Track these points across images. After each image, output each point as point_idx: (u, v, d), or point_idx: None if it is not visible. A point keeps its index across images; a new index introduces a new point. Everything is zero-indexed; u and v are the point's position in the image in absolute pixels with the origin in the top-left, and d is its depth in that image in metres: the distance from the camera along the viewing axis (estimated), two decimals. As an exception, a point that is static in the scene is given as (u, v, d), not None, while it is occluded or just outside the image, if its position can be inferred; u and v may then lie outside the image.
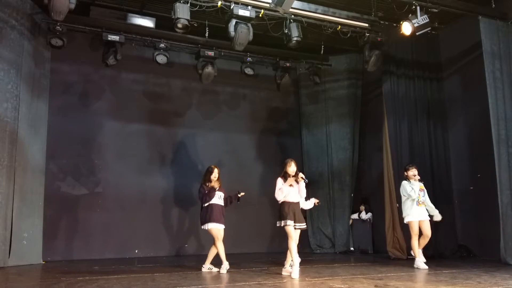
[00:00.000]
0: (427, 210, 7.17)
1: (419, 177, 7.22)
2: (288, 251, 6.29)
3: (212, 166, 6.95)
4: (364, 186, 10.39)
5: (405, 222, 7.24)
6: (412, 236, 7.04)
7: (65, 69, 9.04)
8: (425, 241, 7.07)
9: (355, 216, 10.05)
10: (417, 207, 7.05)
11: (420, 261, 6.87)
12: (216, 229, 6.67)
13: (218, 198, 6.79)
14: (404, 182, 7.21)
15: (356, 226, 10.01)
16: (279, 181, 6.24)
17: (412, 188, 7.09)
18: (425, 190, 7.25)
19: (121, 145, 9.34)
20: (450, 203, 8.69)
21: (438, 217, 7.26)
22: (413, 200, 7.06)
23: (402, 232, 8.22)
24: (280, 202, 6.23)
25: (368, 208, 10.01)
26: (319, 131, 10.52)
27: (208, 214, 6.66)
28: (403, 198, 7.21)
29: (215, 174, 6.82)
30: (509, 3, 7.88)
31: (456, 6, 7.85)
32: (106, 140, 9.25)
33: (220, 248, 6.65)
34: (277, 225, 6.23)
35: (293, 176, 6.24)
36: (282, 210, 6.15)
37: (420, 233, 7.07)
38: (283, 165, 6.33)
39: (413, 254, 7.07)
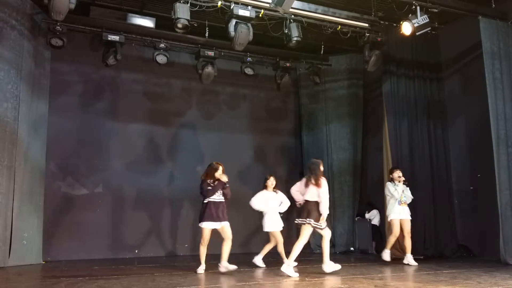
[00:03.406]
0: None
1: (403, 179, 7.66)
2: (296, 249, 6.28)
3: (217, 163, 6.63)
4: (364, 186, 10.39)
5: (387, 220, 7.73)
6: (392, 233, 7.53)
7: (65, 69, 9.04)
8: (409, 240, 7.47)
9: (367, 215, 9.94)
10: (399, 207, 7.53)
11: (388, 252, 7.47)
12: (208, 228, 6.44)
13: (218, 195, 6.54)
14: (388, 183, 7.72)
15: (358, 226, 9.99)
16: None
17: (396, 189, 7.58)
18: (407, 188, 7.72)
19: (121, 145, 9.34)
20: (450, 203, 8.70)
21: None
22: (396, 199, 7.54)
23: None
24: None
25: (371, 208, 9.95)
26: (319, 131, 10.51)
27: (204, 212, 6.46)
28: (387, 198, 7.71)
29: (219, 172, 6.54)
30: (509, 3, 7.88)
31: (456, 6, 7.85)
32: (106, 140, 9.25)
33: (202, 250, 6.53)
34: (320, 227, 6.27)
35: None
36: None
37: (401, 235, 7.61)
38: (320, 166, 6.43)
39: (386, 246, 7.56)
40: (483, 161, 8.02)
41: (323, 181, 6.32)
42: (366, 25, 8.30)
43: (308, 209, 6.28)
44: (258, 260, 7.34)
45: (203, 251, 6.50)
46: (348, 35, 8.33)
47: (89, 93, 9.23)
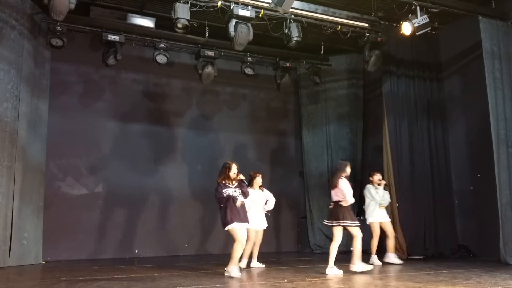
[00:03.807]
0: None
1: (385, 182, 7.96)
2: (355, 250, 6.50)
3: (229, 162, 6.42)
4: (364, 186, 10.36)
5: (367, 223, 7.79)
6: (373, 236, 7.62)
7: (65, 69, 9.04)
8: (392, 240, 7.66)
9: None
10: (379, 210, 7.68)
11: (375, 257, 7.48)
12: (238, 229, 6.13)
13: (238, 195, 6.27)
14: (370, 186, 7.87)
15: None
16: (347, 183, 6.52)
17: (377, 192, 7.77)
18: (386, 192, 7.95)
19: (121, 145, 9.34)
20: (450, 203, 8.70)
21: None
22: (376, 202, 7.69)
23: (402, 232, 8.22)
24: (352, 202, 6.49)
25: None
26: (319, 131, 10.52)
27: (230, 214, 6.12)
28: (367, 200, 7.83)
29: (234, 171, 6.32)
30: (509, 3, 7.89)
31: (456, 6, 7.85)
32: (106, 140, 9.26)
33: (239, 250, 6.18)
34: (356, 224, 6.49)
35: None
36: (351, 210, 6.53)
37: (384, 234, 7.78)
38: (345, 167, 6.60)
39: (370, 252, 7.58)
40: (483, 161, 8.02)
41: (340, 181, 6.47)
42: (366, 25, 8.30)
43: (337, 211, 6.47)
44: (254, 264, 7.27)
45: (248, 249, 6.43)
46: (348, 35, 8.34)
47: (89, 93, 9.23)
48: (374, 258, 7.51)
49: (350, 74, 10.49)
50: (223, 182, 6.31)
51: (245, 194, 6.33)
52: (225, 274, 6.16)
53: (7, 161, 7.28)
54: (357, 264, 6.33)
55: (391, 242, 7.62)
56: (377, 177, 7.85)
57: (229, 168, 6.34)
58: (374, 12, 8.21)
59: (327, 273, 6.18)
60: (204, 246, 9.61)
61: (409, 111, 8.78)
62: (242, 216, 6.20)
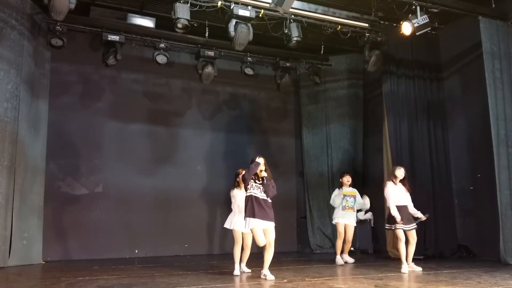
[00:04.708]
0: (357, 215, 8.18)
1: (349, 183, 8.10)
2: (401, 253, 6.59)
3: (258, 156, 5.99)
4: (365, 186, 10.36)
5: (333, 223, 8.17)
6: (338, 236, 7.86)
7: (65, 69, 9.04)
8: (347, 246, 7.91)
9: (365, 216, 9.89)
10: (343, 212, 7.90)
11: (339, 258, 7.71)
12: (251, 226, 5.79)
13: (260, 192, 5.85)
14: (336, 190, 8.18)
15: (358, 226, 9.94)
16: (391, 185, 6.69)
17: (339, 194, 8.01)
18: (357, 195, 8.06)
19: (121, 145, 9.34)
20: (450, 203, 8.70)
21: (364, 216, 8.48)
22: (339, 204, 7.94)
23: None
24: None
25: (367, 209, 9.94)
26: (319, 131, 10.51)
27: (246, 208, 5.85)
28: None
29: (259, 164, 5.85)
30: (509, 3, 7.89)
31: (456, 6, 7.85)
32: (106, 140, 9.25)
33: (244, 250, 6.18)
34: (393, 228, 6.63)
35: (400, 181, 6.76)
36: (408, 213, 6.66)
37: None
38: (393, 171, 6.80)
39: (336, 251, 7.85)
40: (483, 161, 8.02)
41: (385, 188, 6.72)
42: (366, 25, 8.30)
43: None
44: (244, 267, 6.68)
45: (237, 253, 6.04)
46: (348, 35, 8.34)
47: (89, 93, 9.23)
48: (338, 258, 7.69)
49: (350, 74, 10.48)
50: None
51: (266, 193, 5.84)
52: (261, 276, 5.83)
53: (7, 161, 7.28)
54: (404, 266, 6.40)
55: (347, 246, 7.89)
56: (346, 178, 8.07)
57: (252, 160, 5.97)
58: (374, 12, 8.22)
59: (402, 271, 6.30)
60: (204, 246, 9.61)
61: (409, 111, 8.78)
62: (262, 212, 5.75)
